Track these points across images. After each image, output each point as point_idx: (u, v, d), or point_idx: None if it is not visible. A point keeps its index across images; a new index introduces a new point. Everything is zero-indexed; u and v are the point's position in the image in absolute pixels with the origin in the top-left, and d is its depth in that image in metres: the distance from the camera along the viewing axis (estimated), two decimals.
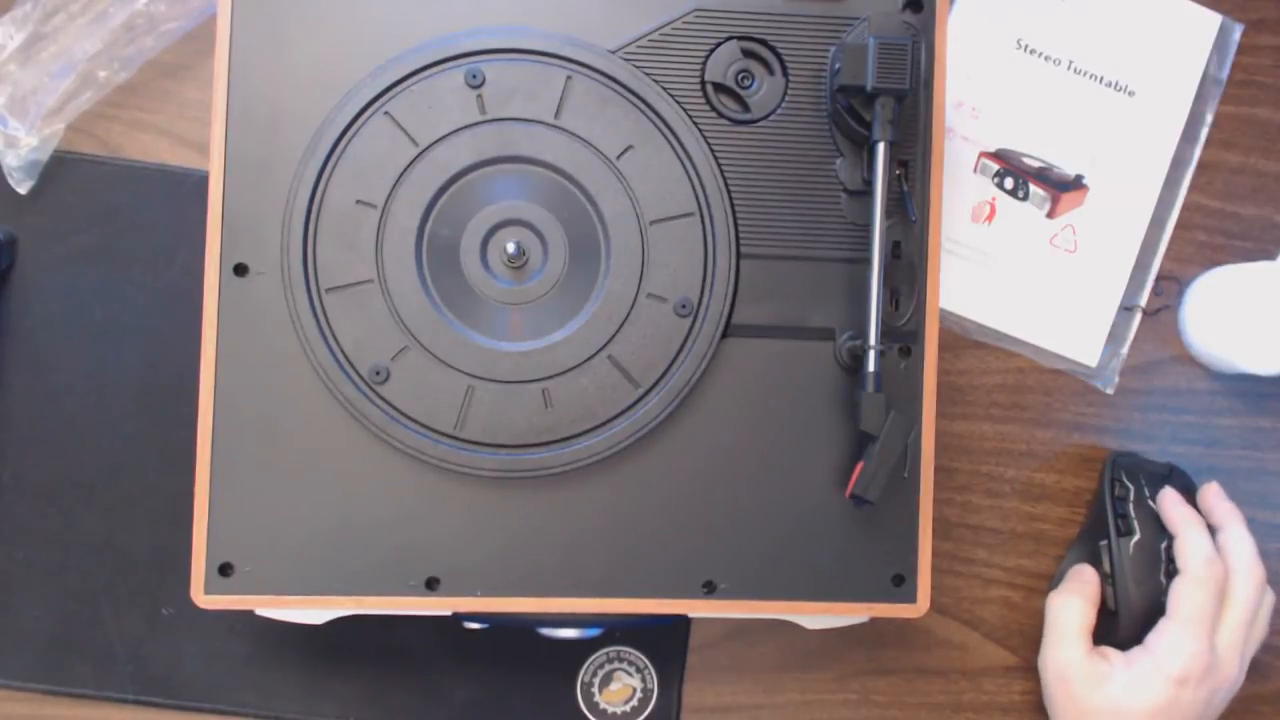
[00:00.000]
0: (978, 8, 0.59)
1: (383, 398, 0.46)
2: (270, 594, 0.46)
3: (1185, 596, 0.52)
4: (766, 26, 0.47)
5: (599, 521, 0.47)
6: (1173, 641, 0.52)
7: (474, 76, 0.46)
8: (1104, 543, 0.56)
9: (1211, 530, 0.55)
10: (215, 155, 0.46)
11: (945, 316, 0.59)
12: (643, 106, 0.47)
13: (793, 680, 0.58)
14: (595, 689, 0.57)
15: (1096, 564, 0.56)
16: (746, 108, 0.48)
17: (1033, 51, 0.59)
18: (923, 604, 0.48)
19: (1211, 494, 0.56)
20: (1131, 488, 0.56)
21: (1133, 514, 0.56)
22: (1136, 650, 0.53)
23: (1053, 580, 0.58)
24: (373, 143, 0.46)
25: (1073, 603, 0.55)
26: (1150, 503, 0.56)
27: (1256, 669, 0.54)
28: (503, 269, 0.47)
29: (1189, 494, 0.56)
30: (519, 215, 0.47)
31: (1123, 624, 0.55)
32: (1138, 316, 0.59)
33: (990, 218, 0.59)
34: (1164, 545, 0.55)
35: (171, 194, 0.56)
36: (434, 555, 0.47)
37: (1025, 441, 0.59)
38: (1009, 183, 0.59)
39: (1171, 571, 0.54)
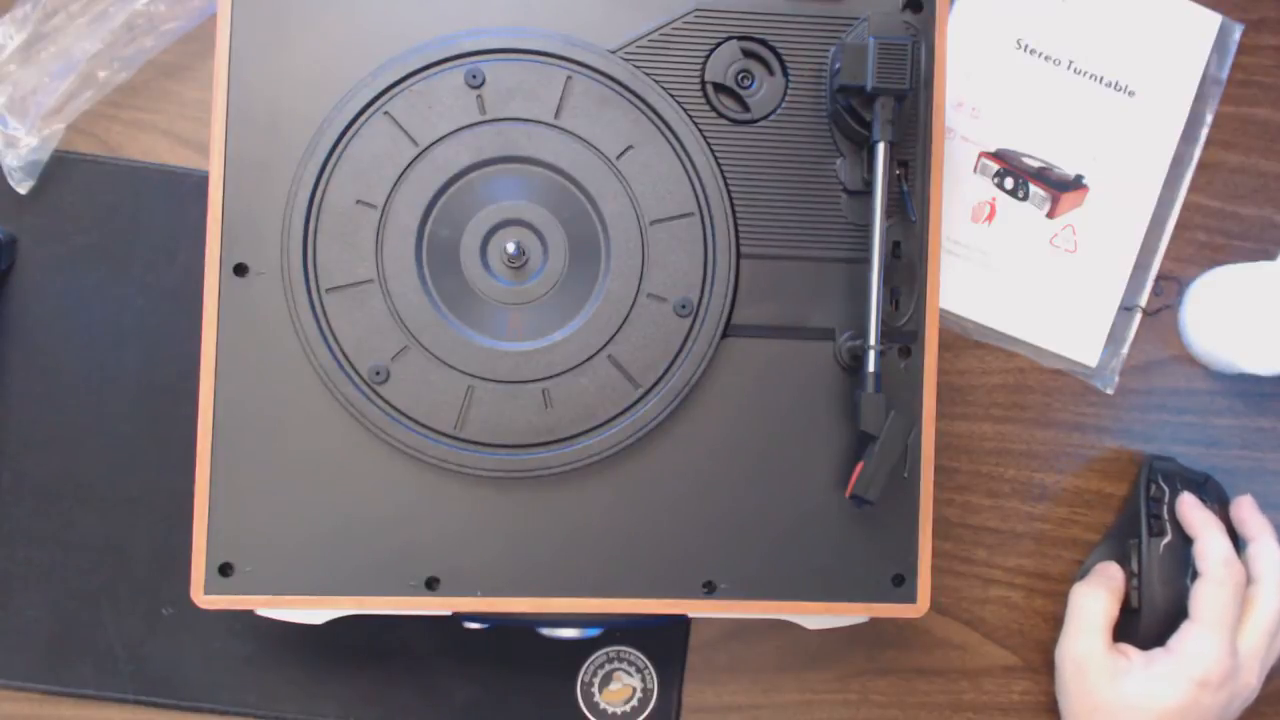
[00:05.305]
0: (978, 8, 0.59)
1: (383, 398, 0.46)
2: (270, 594, 0.46)
3: (1206, 598, 0.52)
4: (766, 26, 0.47)
5: (599, 521, 0.47)
6: (1196, 644, 0.52)
7: (474, 76, 0.46)
8: (1134, 541, 0.56)
9: (1244, 542, 0.55)
10: (215, 155, 0.46)
11: (945, 316, 0.59)
12: (643, 106, 0.47)
13: (793, 680, 0.58)
14: (595, 689, 0.57)
15: (1124, 563, 0.57)
16: (746, 108, 0.48)
17: (1033, 51, 0.59)
18: (923, 604, 0.48)
19: (1245, 506, 0.56)
20: (1167, 490, 0.56)
21: (1166, 516, 0.56)
22: (1158, 650, 0.53)
23: (1076, 576, 0.58)
24: (373, 143, 0.46)
25: (1098, 594, 0.55)
26: None
27: None
28: (503, 269, 0.47)
29: (1222, 504, 0.57)
30: (519, 215, 0.47)
31: (1144, 623, 0.55)
32: (1138, 316, 0.59)
33: (990, 218, 0.59)
34: (1193, 550, 0.55)
35: (171, 194, 0.56)
36: (434, 555, 0.47)
37: (1025, 441, 0.59)
38: (1009, 183, 0.59)
39: (1197, 576, 0.54)
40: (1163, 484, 0.57)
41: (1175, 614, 0.54)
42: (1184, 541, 0.55)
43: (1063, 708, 0.56)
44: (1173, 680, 0.52)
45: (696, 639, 0.58)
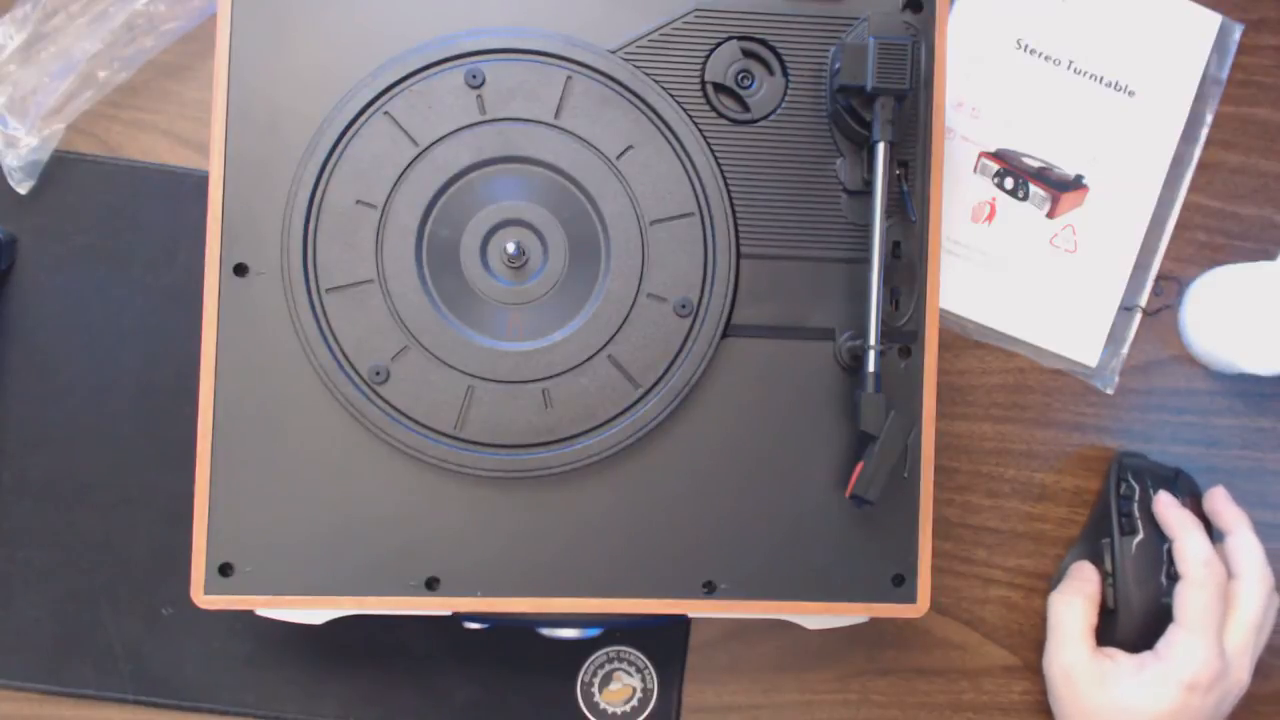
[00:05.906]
0: (978, 8, 0.59)
1: (383, 398, 0.46)
2: (270, 594, 0.46)
3: (1190, 601, 0.52)
4: (766, 26, 0.47)
5: (599, 521, 0.47)
6: (1184, 648, 0.52)
7: (474, 76, 0.46)
8: (1106, 541, 0.56)
9: (1219, 534, 0.55)
10: (215, 155, 0.46)
11: (945, 316, 0.59)
12: (643, 106, 0.47)
13: (793, 680, 0.58)
14: (595, 689, 0.57)
15: (1098, 562, 0.56)
16: (746, 108, 0.48)
17: (1033, 51, 0.59)
18: (923, 604, 0.48)
19: (1218, 498, 0.56)
20: (1137, 488, 0.56)
21: (1137, 514, 0.56)
22: (1147, 655, 0.53)
23: (1054, 579, 0.58)
24: (373, 143, 0.46)
25: (1074, 602, 0.55)
26: None
27: (1257, 669, 0.54)
28: (503, 269, 0.47)
29: (1194, 498, 0.56)
30: (519, 215, 0.47)
31: (1121, 623, 0.55)
32: (1138, 316, 0.59)
33: (990, 218, 0.59)
34: (1166, 547, 0.55)
35: (171, 194, 0.56)
36: (434, 555, 0.47)
37: (1025, 441, 0.59)
38: (1009, 183, 0.59)
39: (1173, 573, 0.54)
40: (1132, 481, 0.56)
41: (1152, 612, 0.54)
42: (1156, 538, 0.55)
43: (1057, 716, 0.56)
44: (1163, 685, 0.52)
45: (696, 639, 0.58)
